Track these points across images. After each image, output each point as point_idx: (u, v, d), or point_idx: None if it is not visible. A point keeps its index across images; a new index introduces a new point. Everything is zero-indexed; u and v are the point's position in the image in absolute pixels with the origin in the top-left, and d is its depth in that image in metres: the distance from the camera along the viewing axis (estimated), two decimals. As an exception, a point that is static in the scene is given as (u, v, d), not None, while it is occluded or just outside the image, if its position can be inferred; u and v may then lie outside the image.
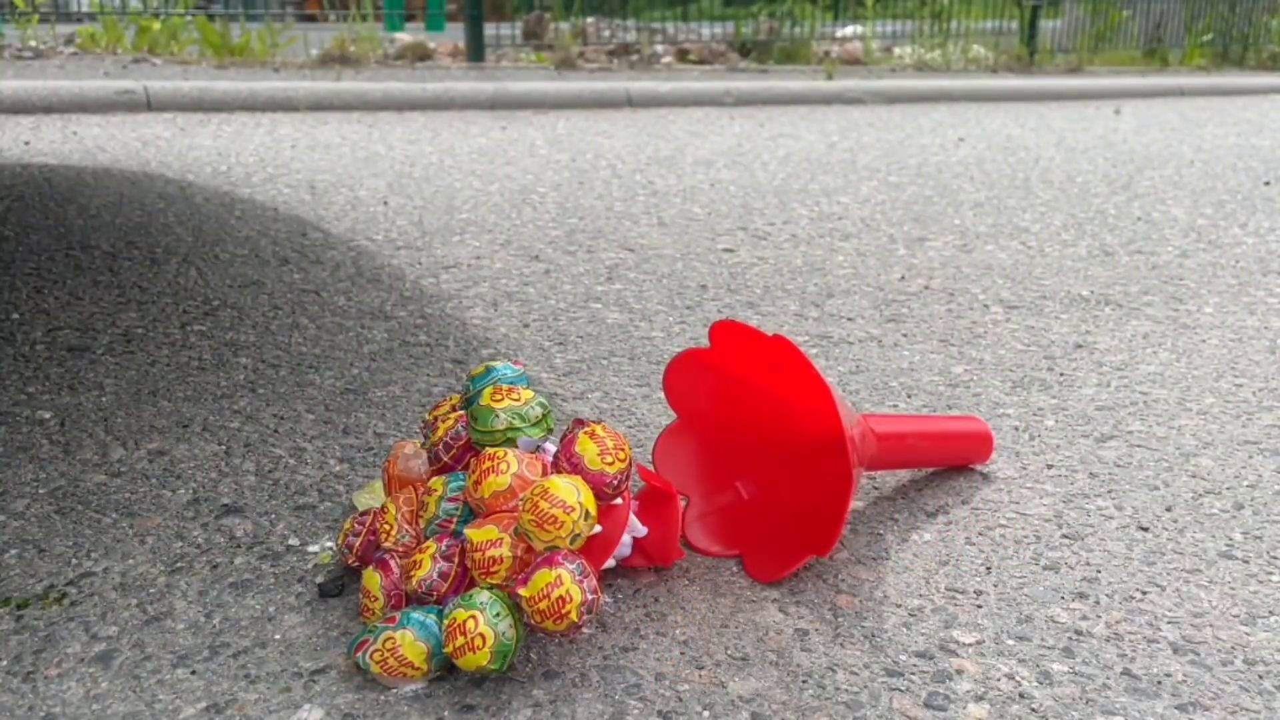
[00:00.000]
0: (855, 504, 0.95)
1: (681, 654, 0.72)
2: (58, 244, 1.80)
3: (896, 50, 6.78)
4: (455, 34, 6.17)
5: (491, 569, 0.70)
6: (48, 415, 1.09)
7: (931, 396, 1.22)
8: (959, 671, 0.71)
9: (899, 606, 0.79)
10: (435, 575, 0.71)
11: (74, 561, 0.82)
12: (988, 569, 0.84)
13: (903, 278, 1.77)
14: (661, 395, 1.19)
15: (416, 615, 0.68)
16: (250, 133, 3.26)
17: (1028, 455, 1.07)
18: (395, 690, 0.67)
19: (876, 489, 0.98)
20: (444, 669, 0.68)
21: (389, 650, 0.66)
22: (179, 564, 0.82)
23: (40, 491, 0.93)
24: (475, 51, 5.41)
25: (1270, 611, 0.79)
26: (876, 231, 2.13)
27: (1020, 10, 6.79)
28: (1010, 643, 0.74)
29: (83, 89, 3.64)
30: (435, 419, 0.83)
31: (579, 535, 0.69)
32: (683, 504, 0.85)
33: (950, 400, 1.21)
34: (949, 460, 1.01)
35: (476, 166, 2.77)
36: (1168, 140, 3.86)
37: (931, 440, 1.00)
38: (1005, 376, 1.30)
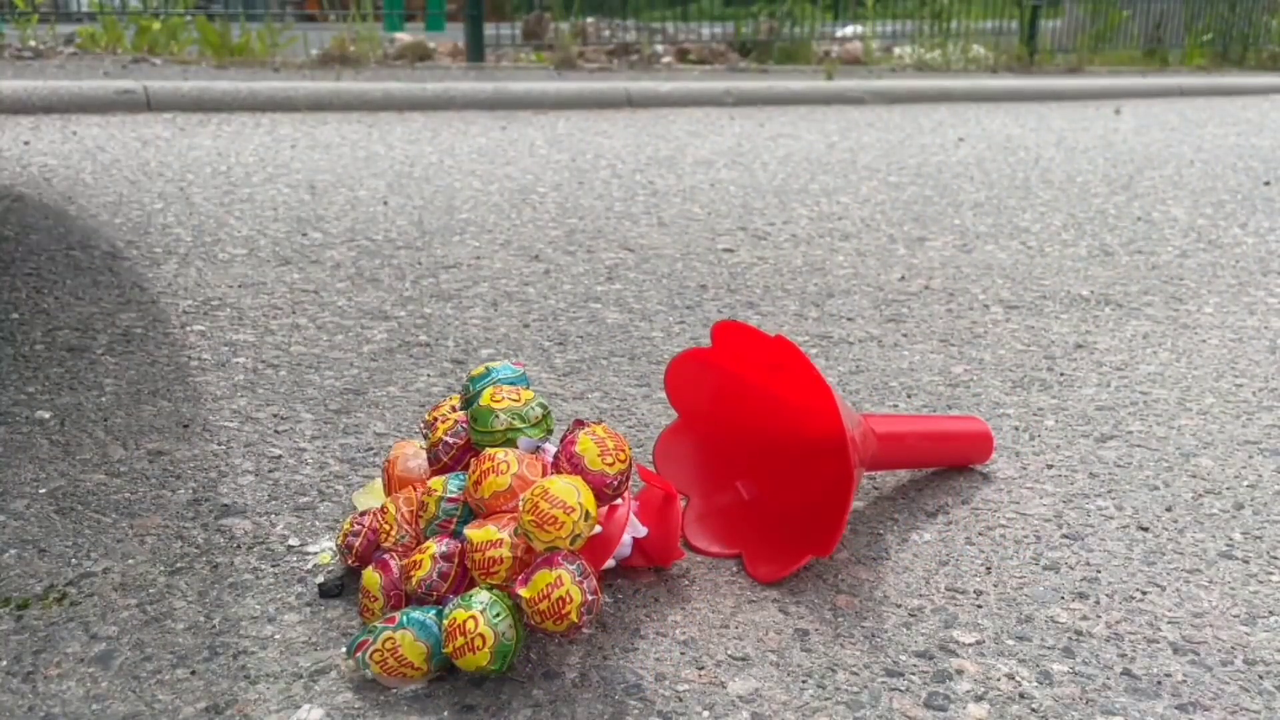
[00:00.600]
0: (855, 504, 0.95)
1: (681, 654, 0.72)
2: (58, 244, 1.79)
3: (896, 50, 6.78)
4: (455, 34, 6.17)
5: (491, 569, 0.70)
6: (47, 415, 1.09)
7: (931, 396, 1.22)
8: (959, 671, 0.71)
9: (899, 606, 0.79)
10: (435, 575, 0.71)
11: (74, 561, 0.82)
12: (988, 569, 0.84)
13: (903, 278, 1.77)
14: (662, 395, 1.19)
15: (416, 615, 0.68)
16: (250, 133, 3.26)
17: (1028, 455, 1.06)
18: (395, 690, 0.67)
19: (876, 489, 0.98)
20: (443, 669, 0.68)
21: (389, 650, 0.66)
22: (179, 564, 0.82)
23: (40, 491, 0.93)
24: (475, 51, 5.41)
25: (1270, 611, 0.79)
26: (876, 231, 2.13)
27: (1020, 10, 6.79)
28: (1010, 643, 0.74)
29: (83, 89, 3.64)
30: (435, 420, 0.83)
31: (579, 536, 0.69)
32: (682, 504, 0.85)
33: (950, 400, 1.21)
34: (949, 460, 1.01)
35: (476, 166, 2.77)
36: (1168, 140, 3.86)
37: (932, 440, 1.00)
38: (1005, 376, 1.30)
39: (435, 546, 0.72)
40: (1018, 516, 0.94)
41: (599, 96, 4.45)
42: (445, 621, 0.67)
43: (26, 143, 2.90)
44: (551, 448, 0.79)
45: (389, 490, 0.83)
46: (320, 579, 0.80)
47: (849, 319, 1.53)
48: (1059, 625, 0.76)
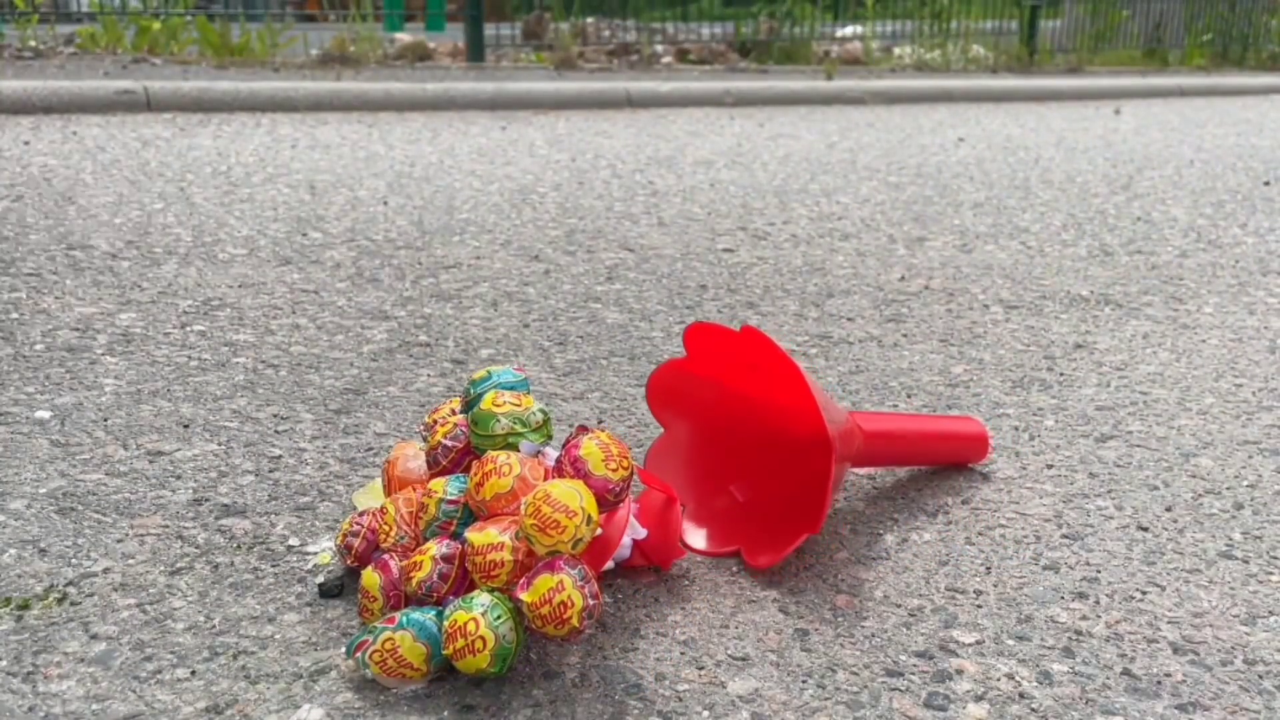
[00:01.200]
0: (855, 504, 0.95)
1: (682, 654, 0.72)
2: (58, 244, 1.80)
3: (896, 50, 6.78)
4: (455, 34, 6.17)
5: (492, 573, 0.70)
6: (47, 415, 1.09)
7: (931, 396, 1.22)
8: (959, 671, 0.71)
9: (899, 606, 0.79)
10: (435, 577, 0.71)
11: (74, 561, 0.82)
12: (988, 569, 0.84)
13: (903, 278, 1.77)
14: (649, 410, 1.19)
15: (416, 616, 0.68)
16: (250, 133, 3.26)
17: (1028, 455, 1.07)
18: (395, 690, 0.67)
19: (876, 489, 0.98)
20: (443, 670, 0.68)
21: (388, 651, 0.66)
22: (179, 564, 0.82)
23: (40, 491, 0.93)
24: (475, 51, 5.41)
25: (1270, 611, 0.79)
26: (876, 231, 2.13)
27: (1020, 10, 6.79)
28: (1010, 643, 0.74)
29: (83, 89, 3.64)
30: (434, 423, 0.83)
31: (581, 540, 0.69)
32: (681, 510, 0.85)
33: (950, 400, 1.21)
34: (942, 458, 1.01)
35: (476, 166, 2.77)
36: (1167, 140, 3.86)
37: (922, 437, 1.00)
38: (1005, 376, 1.30)
39: (436, 548, 0.72)
40: (1018, 516, 0.94)
41: (599, 96, 4.45)
42: (446, 623, 0.67)
43: (26, 143, 2.90)
44: (553, 452, 0.79)
45: (389, 491, 0.83)
46: (320, 579, 0.80)
47: (849, 319, 1.53)
48: (1059, 625, 0.76)
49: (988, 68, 6.42)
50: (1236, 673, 0.71)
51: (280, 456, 1.02)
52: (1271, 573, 0.84)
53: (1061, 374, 1.31)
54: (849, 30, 6.98)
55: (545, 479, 0.74)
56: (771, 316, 1.54)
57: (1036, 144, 3.63)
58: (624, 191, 2.49)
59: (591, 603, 0.66)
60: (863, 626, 0.76)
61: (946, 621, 0.77)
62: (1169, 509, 0.95)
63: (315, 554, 0.84)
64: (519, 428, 0.77)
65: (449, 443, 0.79)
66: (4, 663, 0.69)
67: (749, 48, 6.36)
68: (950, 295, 1.67)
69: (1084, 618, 0.77)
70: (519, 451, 0.77)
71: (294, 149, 2.97)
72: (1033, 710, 0.67)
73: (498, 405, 0.78)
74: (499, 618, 0.66)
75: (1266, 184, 2.88)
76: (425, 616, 0.68)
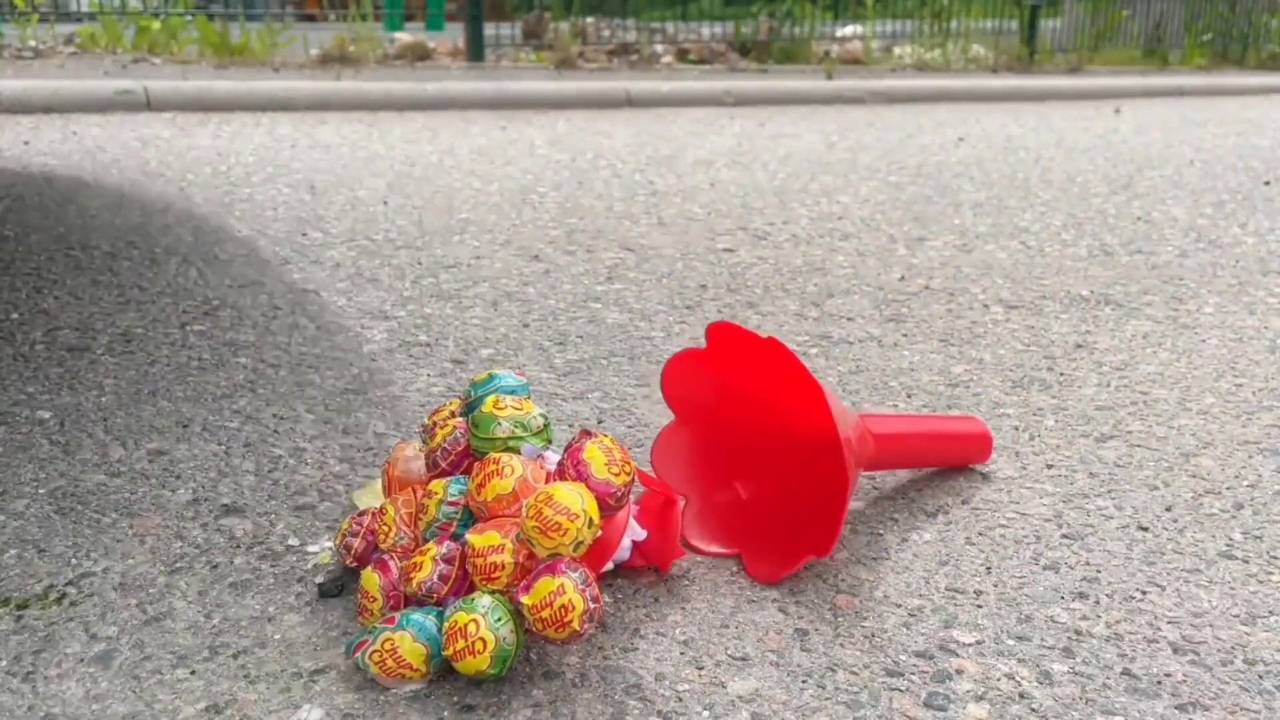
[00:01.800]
0: (855, 504, 0.95)
1: (681, 654, 0.72)
2: (58, 244, 1.79)
3: (896, 50, 6.78)
4: (455, 34, 6.17)
5: (493, 575, 0.69)
6: (47, 415, 1.09)
7: (931, 396, 1.22)
8: (959, 671, 0.71)
9: (899, 606, 0.79)
10: (435, 578, 0.71)
11: (74, 561, 0.82)
12: (988, 569, 0.84)
13: (903, 278, 1.77)
14: (661, 396, 1.19)
15: (416, 616, 0.68)
16: (250, 132, 3.26)
17: (1028, 455, 1.07)
18: (395, 690, 0.67)
19: (876, 489, 0.98)
20: (442, 671, 0.68)
21: (388, 651, 0.66)
22: (179, 564, 0.82)
23: (40, 491, 0.93)
24: (475, 51, 5.41)
25: (1270, 611, 0.79)
26: (876, 231, 2.13)
27: (1020, 10, 6.79)
28: (1010, 643, 0.74)
29: (82, 89, 3.64)
30: (433, 425, 0.83)
31: (582, 543, 0.69)
32: (681, 503, 0.85)
33: (950, 400, 1.21)
34: (949, 460, 1.01)
35: (476, 166, 2.77)
36: (1168, 140, 3.86)
37: (930, 440, 1.00)
38: (1005, 376, 1.30)
39: (436, 549, 0.72)
40: (1018, 516, 0.94)
41: (599, 96, 4.45)
42: (446, 624, 0.66)
43: (26, 143, 2.90)
44: (554, 456, 0.79)
45: (388, 491, 0.83)
46: (320, 579, 0.80)
47: (849, 319, 1.53)
48: (1059, 625, 0.76)
49: (988, 67, 6.42)
50: (1237, 673, 0.71)
51: (280, 456, 1.02)
52: (1272, 573, 0.84)
53: (1062, 374, 1.31)
54: (849, 30, 6.98)
55: (546, 482, 0.74)
56: (771, 316, 1.54)
57: (1037, 144, 3.63)
58: (624, 191, 2.49)
59: (593, 606, 0.66)
60: (863, 626, 0.76)
61: (946, 621, 0.77)
62: (1169, 509, 0.95)
63: (315, 554, 0.84)
64: (520, 431, 0.77)
65: (448, 445, 0.79)
66: (4, 663, 0.69)
67: (749, 47, 6.36)
68: (950, 295, 1.67)
69: (1084, 618, 0.77)
70: (519, 454, 0.77)
71: (294, 149, 2.97)
72: (1033, 710, 0.67)
73: (499, 409, 0.78)
74: (499, 619, 0.66)
75: (1267, 184, 2.88)
76: (425, 617, 0.68)
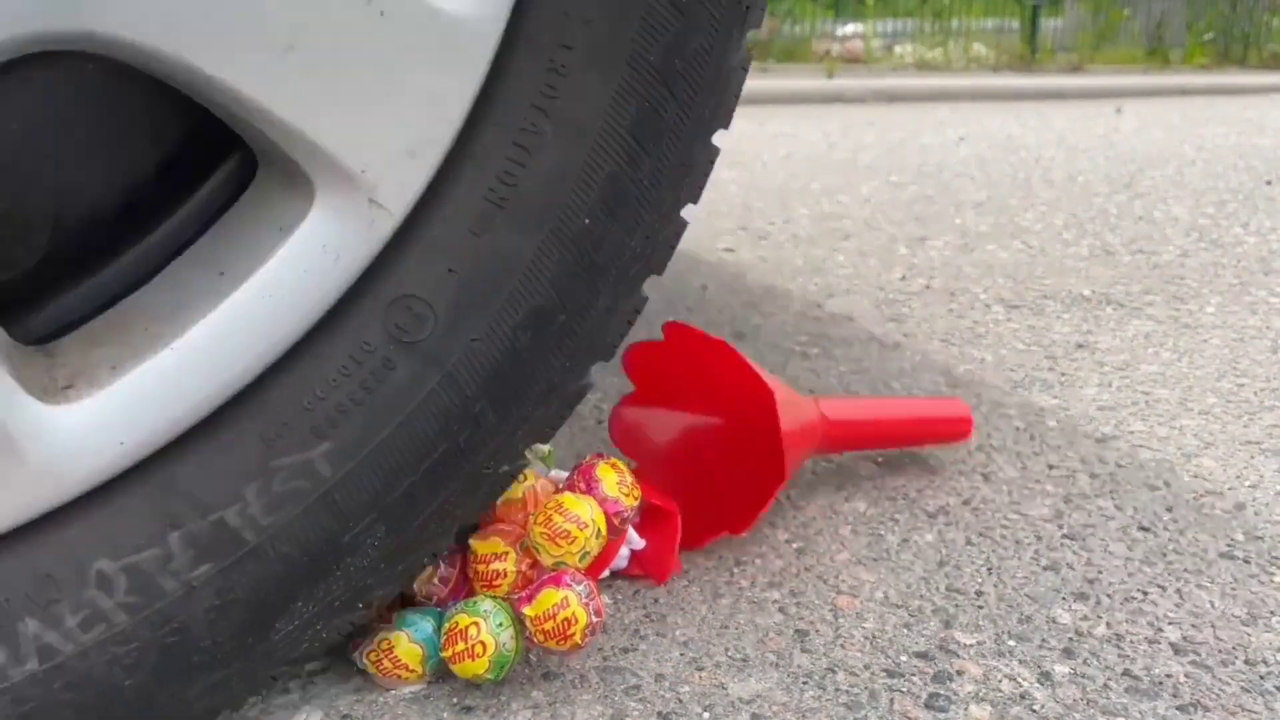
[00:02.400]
0: (855, 504, 0.95)
1: (681, 655, 0.72)
2: (58, 244, 1.79)
3: (897, 49, 6.78)
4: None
5: (494, 582, 0.69)
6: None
7: (932, 396, 1.22)
8: (959, 672, 0.71)
9: (899, 607, 0.78)
10: (435, 580, 0.71)
11: (73, 562, 0.82)
12: (988, 569, 0.84)
13: (903, 277, 1.77)
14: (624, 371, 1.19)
15: (413, 617, 0.68)
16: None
17: (1028, 455, 1.06)
18: (394, 691, 0.67)
19: (877, 489, 0.98)
20: (439, 673, 0.68)
21: (384, 651, 0.66)
22: (178, 565, 0.82)
23: (39, 492, 0.93)
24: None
25: (1271, 612, 0.79)
26: (877, 231, 2.13)
27: (1021, 9, 6.79)
28: (1011, 643, 0.74)
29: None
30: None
31: (588, 553, 0.69)
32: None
33: (951, 400, 1.21)
34: (918, 439, 1.02)
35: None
36: (1169, 139, 3.86)
37: (894, 421, 1.01)
38: (1006, 376, 1.30)
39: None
40: (1018, 516, 0.93)
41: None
42: (446, 624, 0.66)
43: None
44: (560, 475, 0.79)
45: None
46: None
47: (849, 319, 1.53)
48: (1059, 626, 0.76)
49: (989, 66, 6.43)
50: (1237, 673, 0.71)
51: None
52: (1273, 573, 0.84)
53: (1063, 374, 1.31)
54: (850, 29, 6.99)
55: (556, 493, 0.74)
56: (772, 316, 1.54)
57: (1038, 143, 3.63)
58: (625, 191, 2.49)
59: (595, 620, 0.66)
60: (863, 627, 0.76)
61: (946, 622, 0.76)
62: (1170, 509, 0.95)
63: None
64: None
65: None
66: (3, 664, 0.69)
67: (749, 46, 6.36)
68: (951, 295, 1.67)
69: (1085, 618, 0.77)
70: None
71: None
72: (1034, 711, 0.67)
73: None
74: (500, 624, 0.65)
75: (1268, 183, 2.88)
76: (423, 618, 0.68)
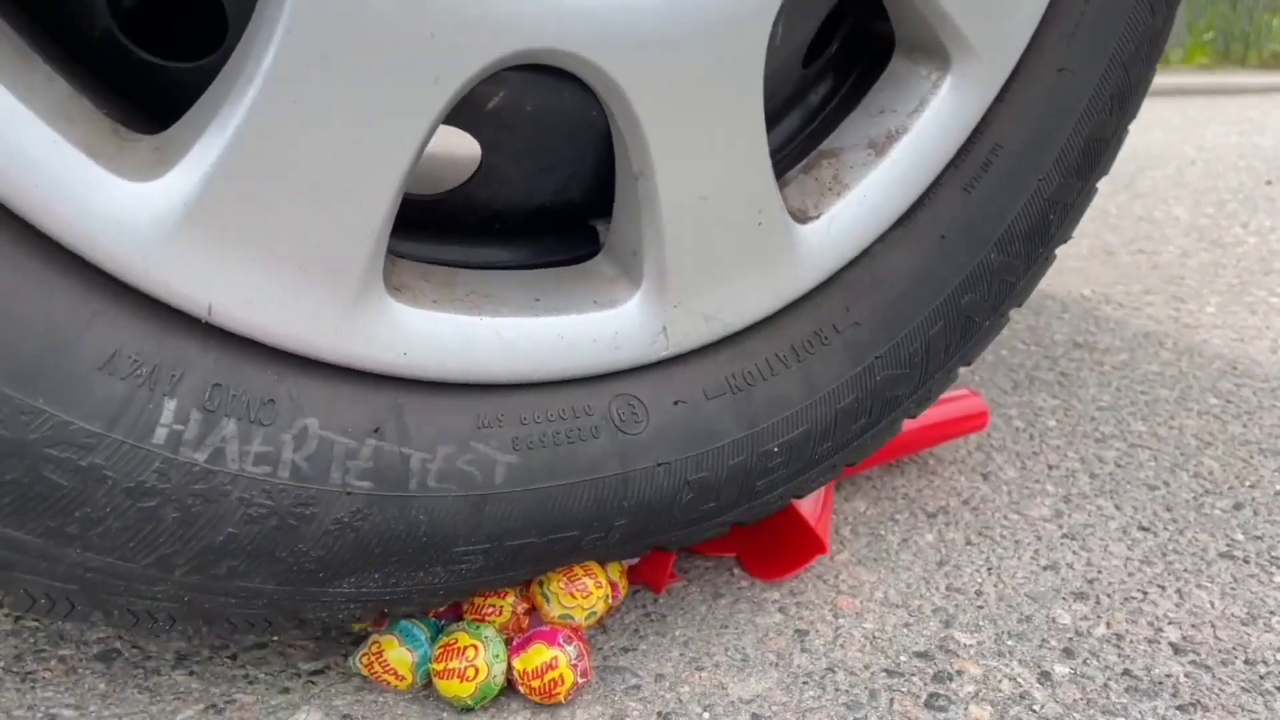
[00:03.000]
0: (855, 504, 0.95)
1: (681, 655, 0.72)
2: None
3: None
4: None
5: (486, 616, 0.70)
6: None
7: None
8: (959, 672, 0.71)
9: (899, 606, 0.78)
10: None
11: (74, 562, 0.82)
12: (988, 569, 0.84)
13: (903, 277, 1.77)
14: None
15: (406, 623, 0.68)
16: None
17: (1028, 455, 1.06)
18: (394, 691, 0.67)
19: (876, 489, 0.98)
20: (428, 683, 0.68)
21: (374, 654, 0.67)
22: (179, 564, 0.82)
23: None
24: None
25: (1271, 611, 0.79)
26: (877, 231, 2.13)
27: (1022, 9, 6.78)
28: (1010, 643, 0.74)
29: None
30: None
31: (595, 613, 0.71)
32: None
33: (951, 400, 1.21)
34: (942, 439, 1.02)
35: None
36: (1169, 139, 3.86)
37: (918, 430, 1.01)
38: (1006, 376, 1.30)
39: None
40: (1017, 516, 0.93)
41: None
42: (444, 638, 0.66)
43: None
44: None
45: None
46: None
47: (850, 318, 1.52)
48: (1059, 626, 0.76)
49: (989, 67, 6.41)
50: (1237, 673, 0.71)
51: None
52: (1273, 573, 0.84)
53: (1063, 373, 1.31)
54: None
55: None
56: (772, 316, 1.54)
57: (1038, 143, 3.62)
58: (625, 191, 2.49)
59: (581, 681, 0.66)
60: (863, 627, 0.76)
61: (946, 622, 0.76)
62: (1170, 509, 0.95)
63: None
64: None
65: None
66: (4, 663, 0.69)
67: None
68: (951, 295, 1.66)
69: (1084, 618, 0.77)
70: None
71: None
72: (1034, 711, 0.67)
73: None
74: (497, 656, 0.65)
75: (1269, 183, 2.88)
76: (415, 626, 0.68)
